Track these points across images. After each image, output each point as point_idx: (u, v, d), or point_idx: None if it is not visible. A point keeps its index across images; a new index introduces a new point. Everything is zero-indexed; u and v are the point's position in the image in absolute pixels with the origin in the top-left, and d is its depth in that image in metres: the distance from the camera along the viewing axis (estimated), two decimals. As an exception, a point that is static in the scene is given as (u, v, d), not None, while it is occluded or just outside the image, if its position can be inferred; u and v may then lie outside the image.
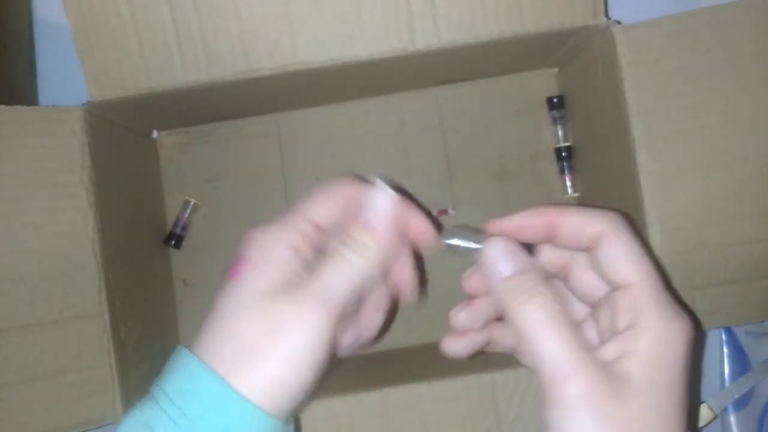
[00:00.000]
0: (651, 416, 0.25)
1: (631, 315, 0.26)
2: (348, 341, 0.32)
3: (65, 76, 0.46)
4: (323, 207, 0.30)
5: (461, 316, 0.31)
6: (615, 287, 0.27)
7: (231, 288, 0.28)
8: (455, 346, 0.31)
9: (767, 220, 0.34)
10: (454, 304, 0.46)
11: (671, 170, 0.34)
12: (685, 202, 0.34)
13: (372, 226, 0.29)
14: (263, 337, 0.26)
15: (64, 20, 0.35)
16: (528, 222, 0.29)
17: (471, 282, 0.31)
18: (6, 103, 0.34)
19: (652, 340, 0.25)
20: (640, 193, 0.34)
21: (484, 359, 0.38)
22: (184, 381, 0.26)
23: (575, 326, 0.27)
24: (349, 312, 0.29)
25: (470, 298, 0.32)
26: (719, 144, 0.34)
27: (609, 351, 0.26)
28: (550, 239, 0.29)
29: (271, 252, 0.28)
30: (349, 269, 0.28)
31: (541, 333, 0.26)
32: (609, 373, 0.25)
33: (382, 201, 0.29)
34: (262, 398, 0.26)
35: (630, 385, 0.25)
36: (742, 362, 0.44)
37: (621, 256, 0.27)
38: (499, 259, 0.28)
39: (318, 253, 0.29)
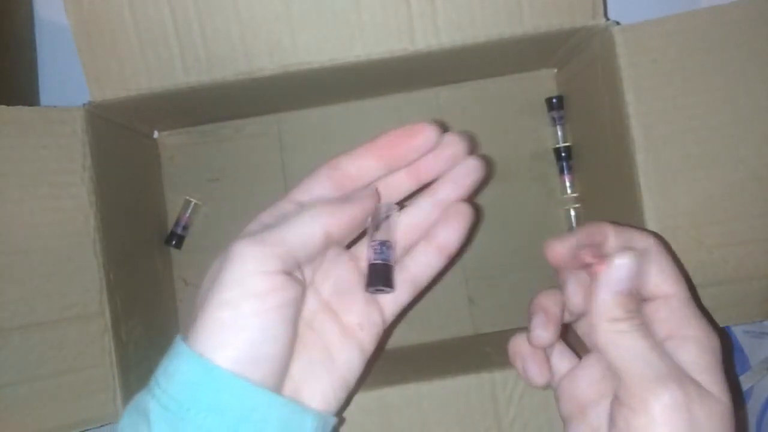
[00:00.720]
0: (725, 423, 0.25)
1: (670, 325, 0.27)
2: (403, 298, 0.31)
3: (66, 77, 0.46)
4: (317, 190, 0.30)
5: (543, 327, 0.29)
6: (650, 299, 0.28)
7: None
8: (545, 335, 0.29)
9: (767, 220, 0.34)
10: (454, 304, 0.46)
11: (670, 170, 0.34)
12: (684, 202, 0.34)
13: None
14: (214, 279, 0.27)
15: (64, 20, 0.35)
16: (587, 239, 0.28)
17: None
18: (7, 104, 0.34)
19: (701, 348, 0.26)
20: (639, 193, 0.34)
21: (484, 359, 0.38)
22: (168, 363, 0.27)
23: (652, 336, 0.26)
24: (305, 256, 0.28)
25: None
26: (719, 144, 0.34)
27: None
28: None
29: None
30: (299, 228, 0.28)
31: (628, 341, 0.26)
32: (692, 381, 0.25)
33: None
34: (242, 365, 0.25)
35: (707, 392, 0.25)
36: (740, 362, 0.44)
37: (665, 269, 0.28)
38: (625, 276, 0.27)
39: None
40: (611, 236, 0.28)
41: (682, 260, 0.34)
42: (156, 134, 0.47)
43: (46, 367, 0.34)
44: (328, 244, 0.29)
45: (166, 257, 0.46)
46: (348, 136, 0.47)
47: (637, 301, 0.27)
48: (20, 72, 0.45)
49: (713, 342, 0.27)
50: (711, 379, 0.26)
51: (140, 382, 0.38)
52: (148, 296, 0.42)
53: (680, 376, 0.25)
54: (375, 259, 0.29)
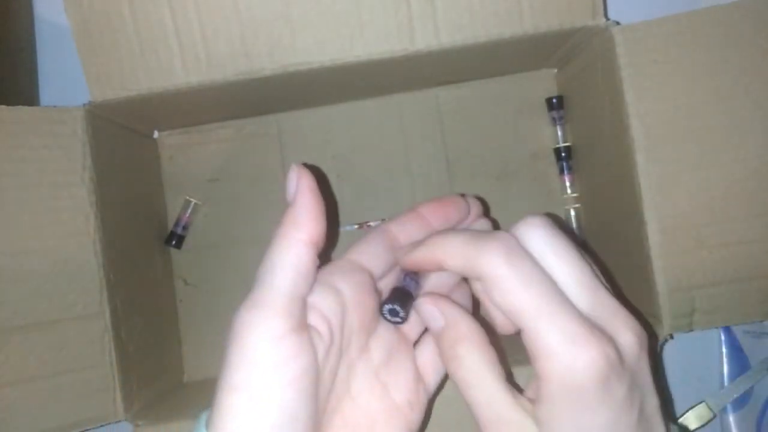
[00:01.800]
0: None
1: (532, 350, 0.24)
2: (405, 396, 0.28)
3: (66, 77, 0.45)
4: (370, 251, 0.28)
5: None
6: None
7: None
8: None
9: (767, 220, 0.34)
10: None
11: (671, 170, 0.34)
12: (684, 202, 0.34)
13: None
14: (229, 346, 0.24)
15: (65, 21, 0.35)
16: (421, 259, 0.27)
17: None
18: (7, 104, 0.34)
19: (546, 377, 0.23)
20: (639, 193, 0.34)
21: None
22: None
23: (503, 375, 0.25)
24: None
25: None
26: (719, 144, 0.34)
27: (529, 394, 0.25)
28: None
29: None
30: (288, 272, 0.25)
31: (474, 382, 0.25)
32: (532, 421, 0.24)
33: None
34: None
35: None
36: (741, 362, 0.44)
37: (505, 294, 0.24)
38: (430, 317, 0.27)
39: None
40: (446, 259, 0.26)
41: (683, 260, 0.34)
42: (156, 134, 0.47)
43: (46, 367, 0.34)
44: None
45: (165, 257, 0.46)
46: (348, 136, 0.47)
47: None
48: (20, 72, 0.45)
49: (569, 366, 0.23)
50: (554, 415, 0.23)
51: (140, 382, 0.38)
52: (147, 296, 0.42)
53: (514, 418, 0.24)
54: (398, 284, 0.28)
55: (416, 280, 0.28)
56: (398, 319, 0.27)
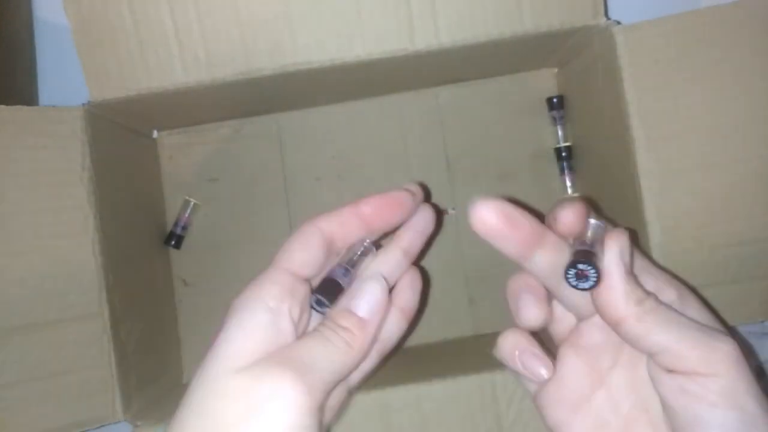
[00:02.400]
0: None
1: (664, 293, 0.26)
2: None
3: (65, 76, 0.45)
4: (301, 254, 0.27)
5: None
6: None
7: (207, 363, 0.25)
8: (537, 312, 0.27)
9: (767, 220, 0.34)
10: (454, 304, 0.46)
11: (671, 170, 0.34)
12: (685, 202, 0.34)
13: (359, 315, 0.27)
14: (240, 422, 0.23)
15: (64, 20, 0.35)
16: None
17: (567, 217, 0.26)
18: (6, 103, 0.34)
19: (693, 300, 0.26)
20: (640, 193, 0.34)
21: (484, 359, 0.38)
22: None
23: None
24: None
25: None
26: (719, 144, 0.34)
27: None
28: None
29: (246, 319, 0.25)
30: (333, 354, 0.25)
31: (663, 315, 0.25)
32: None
33: (373, 291, 0.28)
34: None
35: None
36: (742, 362, 0.44)
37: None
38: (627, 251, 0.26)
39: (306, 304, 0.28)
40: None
41: (684, 260, 0.34)
42: (155, 134, 0.47)
43: (45, 367, 0.34)
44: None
45: (165, 257, 0.46)
46: (348, 136, 0.47)
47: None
48: (19, 72, 0.45)
49: (688, 291, 0.27)
50: (719, 326, 0.26)
51: (139, 382, 0.38)
52: (147, 296, 0.42)
53: (717, 330, 0.25)
54: (329, 275, 0.28)
55: (347, 268, 0.29)
56: (323, 310, 0.28)
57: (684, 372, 0.24)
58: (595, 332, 0.27)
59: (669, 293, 0.26)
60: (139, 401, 0.37)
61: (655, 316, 0.24)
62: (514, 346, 0.28)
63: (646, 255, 0.27)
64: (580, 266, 0.24)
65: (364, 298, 0.27)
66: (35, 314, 0.34)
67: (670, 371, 0.25)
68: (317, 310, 0.28)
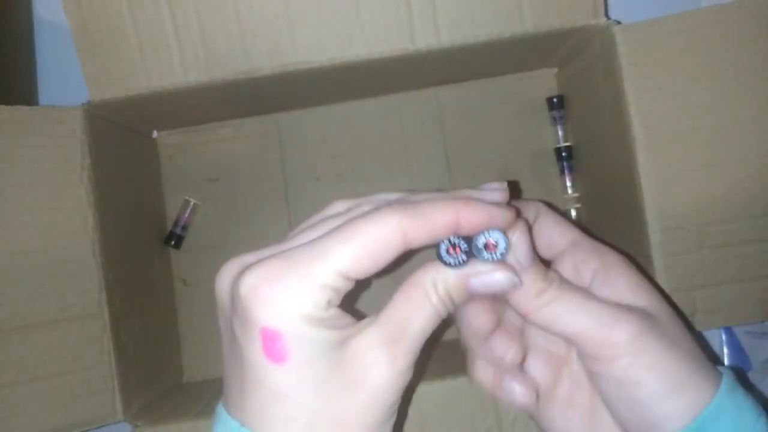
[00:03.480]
0: (681, 322, 0.26)
1: (589, 264, 0.27)
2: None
3: (65, 76, 0.45)
4: (362, 258, 0.23)
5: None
6: (558, 255, 0.28)
7: (276, 372, 0.23)
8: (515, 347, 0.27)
9: (767, 220, 0.34)
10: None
11: (671, 170, 0.34)
12: (685, 203, 0.34)
13: (475, 291, 0.25)
14: (341, 392, 0.23)
15: (64, 20, 0.35)
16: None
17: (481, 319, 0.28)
18: (6, 103, 0.34)
19: (622, 266, 0.27)
20: (640, 193, 0.34)
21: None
22: None
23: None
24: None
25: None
26: (719, 144, 0.34)
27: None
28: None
29: (301, 329, 0.22)
30: (426, 318, 0.24)
31: (563, 304, 0.25)
32: (635, 306, 0.26)
33: (497, 282, 0.25)
34: None
35: (653, 304, 0.26)
36: (742, 362, 0.44)
37: (557, 221, 0.29)
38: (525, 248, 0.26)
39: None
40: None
41: (684, 260, 0.34)
42: (155, 134, 0.47)
43: (45, 367, 0.34)
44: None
45: (165, 257, 0.46)
46: (348, 136, 0.47)
47: (544, 266, 0.26)
48: (19, 72, 0.45)
49: (621, 257, 0.27)
50: (646, 289, 0.26)
51: (139, 382, 0.38)
52: (147, 296, 0.42)
53: (623, 307, 0.25)
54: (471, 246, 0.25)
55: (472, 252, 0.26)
56: (457, 261, 0.24)
57: (592, 356, 0.25)
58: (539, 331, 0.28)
59: (593, 263, 0.27)
60: (139, 401, 0.37)
61: (556, 306, 0.25)
62: (489, 380, 0.28)
63: (577, 224, 0.28)
64: (453, 240, 0.24)
65: (485, 280, 0.25)
66: (34, 314, 0.34)
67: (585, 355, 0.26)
68: (445, 261, 0.24)
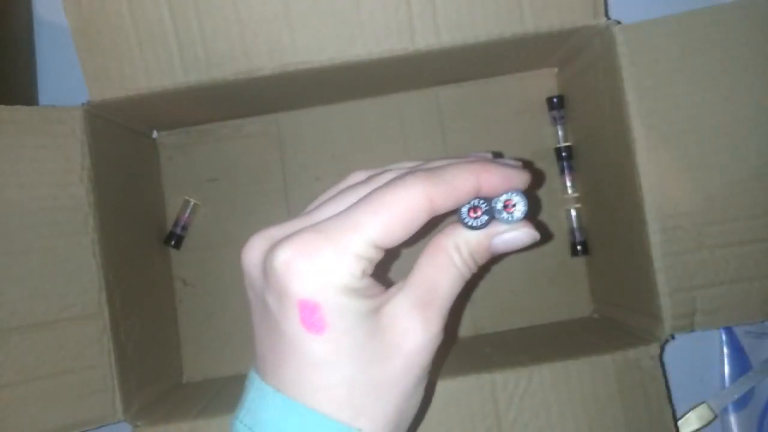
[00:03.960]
0: None
1: None
2: None
3: (65, 76, 0.46)
4: (392, 227, 0.23)
5: None
6: None
7: (314, 342, 0.23)
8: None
9: (767, 220, 0.34)
10: (454, 304, 0.46)
11: (671, 170, 0.34)
12: (685, 202, 0.34)
13: (496, 249, 0.26)
14: (379, 361, 0.24)
15: (64, 20, 0.35)
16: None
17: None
18: (6, 103, 0.34)
19: None
20: (640, 192, 0.34)
21: (484, 359, 0.38)
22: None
23: None
24: None
25: None
26: (719, 144, 0.34)
27: None
28: None
29: (339, 299, 0.23)
30: (454, 281, 0.25)
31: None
32: None
33: (521, 241, 0.26)
34: None
35: None
36: (742, 362, 0.44)
37: None
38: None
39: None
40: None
41: (684, 260, 0.34)
42: (155, 134, 0.47)
43: (45, 367, 0.34)
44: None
45: (165, 257, 0.46)
46: (348, 135, 0.47)
47: None
48: (19, 72, 0.45)
49: None
50: None
51: (139, 382, 0.38)
52: (146, 296, 0.42)
53: None
54: (490, 206, 0.26)
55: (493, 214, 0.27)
56: (478, 223, 0.25)
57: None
58: None
59: None
60: (139, 401, 0.37)
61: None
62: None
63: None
64: (473, 202, 0.25)
65: (507, 239, 0.26)
66: (34, 314, 0.34)
67: None
68: (468, 224, 0.25)
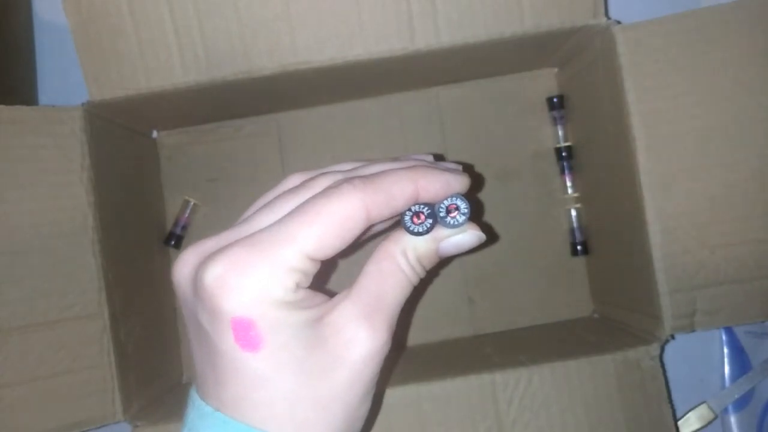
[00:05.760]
0: None
1: None
2: None
3: (65, 76, 0.46)
4: (327, 238, 0.23)
5: None
6: None
7: (251, 360, 0.22)
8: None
9: (767, 220, 0.34)
10: (454, 304, 0.46)
11: (671, 170, 0.34)
12: (685, 202, 0.34)
13: (444, 253, 0.26)
14: (323, 372, 0.23)
15: (64, 20, 0.35)
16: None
17: None
18: (5, 103, 0.34)
19: None
20: (640, 192, 0.34)
21: (484, 359, 0.38)
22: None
23: None
24: None
25: None
26: (719, 144, 0.34)
27: None
28: None
29: (273, 314, 0.22)
30: (401, 288, 0.25)
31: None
32: None
33: (469, 243, 0.26)
34: None
35: None
36: (742, 362, 0.44)
37: None
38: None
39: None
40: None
41: (684, 260, 0.34)
42: (155, 134, 0.47)
43: (45, 367, 0.34)
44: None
45: (164, 257, 0.46)
46: (348, 135, 0.47)
47: None
48: (19, 71, 0.45)
49: None
50: None
51: (139, 382, 0.38)
52: (146, 296, 0.42)
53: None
54: (433, 211, 0.26)
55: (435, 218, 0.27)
56: (421, 230, 0.25)
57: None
58: None
59: None
60: (139, 401, 0.37)
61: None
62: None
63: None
64: (415, 208, 0.25)
65: (455, 242, 0.26)
66: (34, 314, 0.34)
67: None
68: (412, 231, 0.25)
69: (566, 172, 0.46)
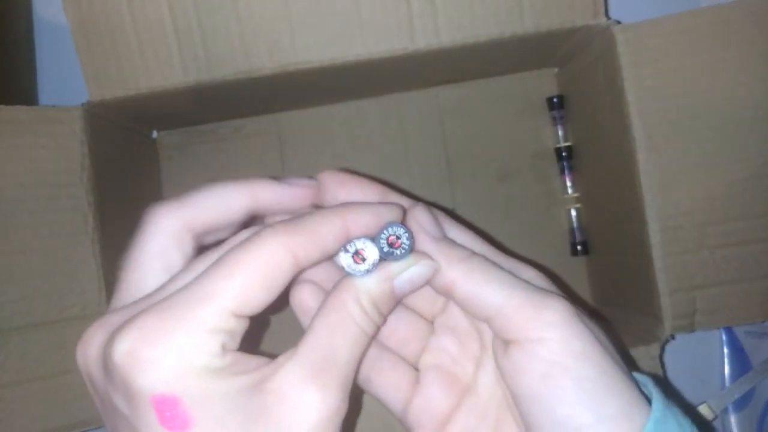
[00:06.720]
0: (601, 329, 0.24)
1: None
2: None
3: (65, 76, 0.45)
4: (251, 291, 0.20)
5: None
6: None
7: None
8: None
9: (767, 220, 0.34)
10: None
11: (671, 170, 0.34)
12: (685, 203, 0.34)
13: (402, 292, 0.23)
14: None
15: (64, 20, 0.35)
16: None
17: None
18: (5, 103, 0.34)
19: (530, 270, 0.25)
20: (640, 193, 0.34)
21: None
22: None
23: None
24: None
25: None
26: (719, 144, 0.34)
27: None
28: None
29: (199, 385, 0.19)
30: (360, 337, 0.22)
31: (485, 272, 0.23)
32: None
33: (423, 271, 0.23)
34: None
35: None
36: (742, 362, 0.44)
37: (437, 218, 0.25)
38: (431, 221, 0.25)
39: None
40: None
41: (684, 260, 0.34)
42: (155, 134, 0.47)
43: (45, 367, 0.34)
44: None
45: (165, 257, 0.46)
46: (348, 135, 0.47)
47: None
48: (19, 71, 0.45)
49: (523, 264, 0.25)
50: (557, 292, 0.24)
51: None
52: (147, 296, 0.42)
53: (552, 292, 0.23)
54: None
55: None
56: (364, 270, 0.23)
57: (515, 340, 0.22)
58: (447, 337, 0.26)
59: (501, 263, 0.25)
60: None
61: (483, 273, 0.23)
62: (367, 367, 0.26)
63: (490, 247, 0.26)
64: (350, 248, 0.22)
65: (409, 277, 0.23)
66: (34, 315, 0.34)
67: (505, 343, 0.23)
68: (355, 273, 0.22)
69: (566, 172, 0.46)
